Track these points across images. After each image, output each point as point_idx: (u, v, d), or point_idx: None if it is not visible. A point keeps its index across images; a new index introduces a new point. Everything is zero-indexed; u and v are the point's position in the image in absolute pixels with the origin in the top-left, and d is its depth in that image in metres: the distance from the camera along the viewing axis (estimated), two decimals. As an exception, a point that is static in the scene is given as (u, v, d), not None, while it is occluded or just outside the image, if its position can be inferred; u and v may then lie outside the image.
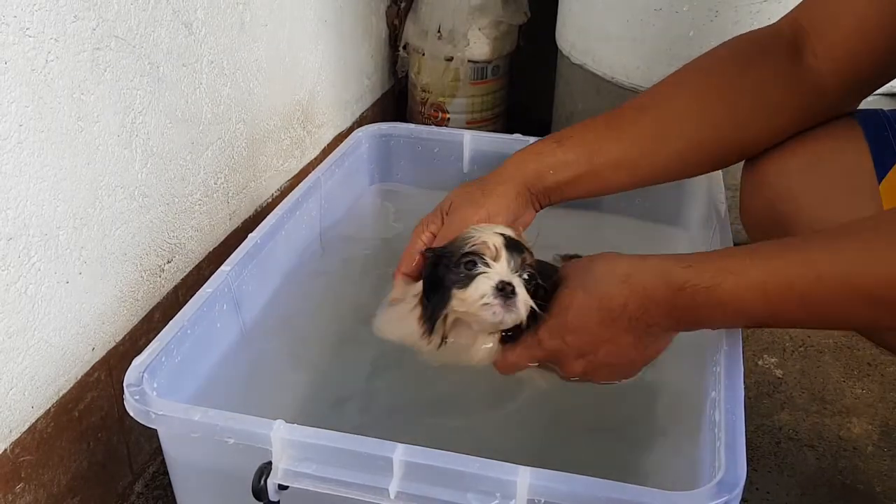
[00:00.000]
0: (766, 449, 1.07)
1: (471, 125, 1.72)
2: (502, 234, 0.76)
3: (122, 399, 0.68)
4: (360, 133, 1.13)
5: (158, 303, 0.97)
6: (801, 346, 1.25)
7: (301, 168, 1.32)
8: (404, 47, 1.68)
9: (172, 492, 0.77)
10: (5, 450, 0.76)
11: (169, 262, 0.98)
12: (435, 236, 0.85)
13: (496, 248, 0.74)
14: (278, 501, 0.64)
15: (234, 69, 1.07)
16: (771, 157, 0.83)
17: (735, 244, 0.90)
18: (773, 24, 0.84)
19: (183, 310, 0.77)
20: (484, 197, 0.83)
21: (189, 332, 0.75)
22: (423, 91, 1.70)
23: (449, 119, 1.72)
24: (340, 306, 1.01)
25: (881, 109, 0.81)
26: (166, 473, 0.84)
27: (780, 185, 0.81)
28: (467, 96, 1.69)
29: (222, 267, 0.83)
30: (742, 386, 0.69)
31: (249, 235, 0.89)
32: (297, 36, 1.25)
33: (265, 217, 0.94)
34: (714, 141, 0.83)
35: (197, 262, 1.04)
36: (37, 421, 0.80)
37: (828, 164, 0.79)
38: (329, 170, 1.05)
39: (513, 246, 0.75)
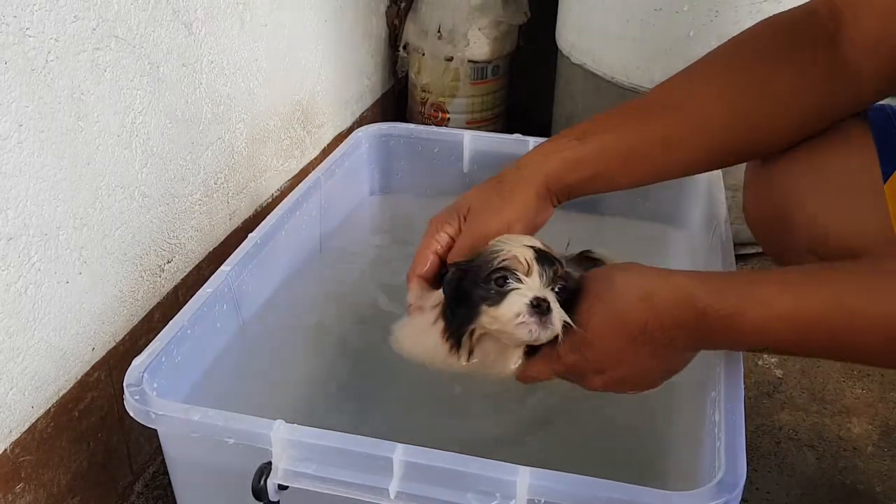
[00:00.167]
0: (766, 449, 1.07)
1: (471, 125, 1.72)
2: (532, 247, 0.73)
3: (122, 399, 0.68)
4: (360, 133, 1.14)
5: (158, 303, 0.97)
6: (801, 346, 1.25)
7: (301, 168, 1.32)
8: (404, 47, 1.68)
9: (172, 492, 0.77)
10: (5, 450, 0.76)
11: (169, 262, 0.98)
12: (451, 239, 0.82)
13: (528, 262, 0.72)
14: (278, 501, 0.64)
15: (234, 69, 1.07)
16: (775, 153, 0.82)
17: (735, 244, 0.90)
18: (807, 2, 0.78)
19: (183, 310, 0.77)
20: (502, 202, 0.80)
21: (189, 332, 0.75)
22: (423, 91, 1.70)
23: (449, 119, 1.72)
24: (340, 306, 1.01)
25: (889, 105, 0.79)
26: (166, 473, 0.84)
27: (784, 183, 0.80)
28: (467, 96, 1.69)
29: (222, 267, 0.83)
30: (742, 386, 0.69)
31: (249, 235, 0.89)
32: (297, 36, 1.25)
33: (265, 217, 0.94)
34: (744, 141, 0.80)
35: (197, 262, 1.04)
36: (37, 421, 0.80)
37: (833, 161, 0.78)
38: (329, 170, 1.05)
39: (544, 259, 0.73)
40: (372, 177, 1.17)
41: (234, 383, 0.83)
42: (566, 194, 0.83)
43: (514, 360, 0.76)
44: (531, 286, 0.71)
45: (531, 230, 0.82)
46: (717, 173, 1.01)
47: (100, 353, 0.88)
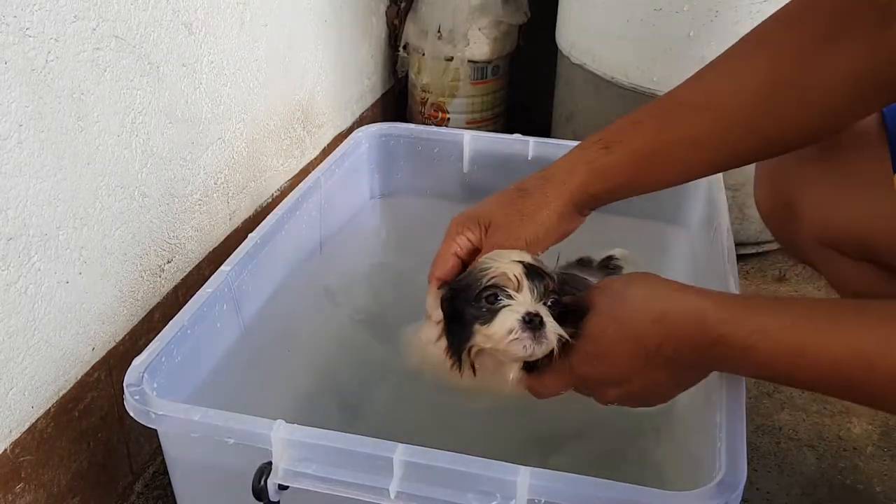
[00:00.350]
0: (766, 449, 1.07)
1: (471, 125, 1.72)
2: (521, 262, 0.72)
3: (122, 399, 0.68)
4: (360, 133, 1.14)
5: (158, 303, 0.97)
6: (801, 346, 1.25)
7: (301, 168, 1.32)
8: (404, 47, 1.68)
9: (172, 492, 0.77)
10: (5, 450, 0.76)
11: (169, 262, 0.98)
12: (472, 244, 0.80)
13: (517, 278, 0.71)
14: (278, 501, 0.64)
15: (234, 69, 1.07)
16: None
17: (735, 244, 0.90)
18: None
19: (183, 310, 0.77)
20: (522, 222, 0.78)
21: (189, 332, 0.75)
22: (423, 91, 1.70)
23: (449, 119, 1.72)
24: (340, 306, 1.01)
25: None
26: (166, 473, 0.84)
27: (795, 175, 0.79)
28: (467, 96, 1.69)
29: (222, 267, 0.83)
30: (742, 386, 0.69)
31: (249, 235, 0.89)
32: (297, 36, 1.25)
33: (265, 217, 0.93)
34: (777, 141, 0.75)
35: (197, 262, 1.04)
36: (37, 421, 0.80)
37: (845, 153, 0.77)
38: (329, 170, 1.05)
39: (534, 273, 0.71)
40: (372, 177, 1.17)
41: (234, 383, 0.83)
42: (592, 205, 0.81)
43: (511, 375, 0.75)
44: (522, 302, 0.70)
45: (556, 242, 0.80)
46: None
47: (100, 353, 0.88)
